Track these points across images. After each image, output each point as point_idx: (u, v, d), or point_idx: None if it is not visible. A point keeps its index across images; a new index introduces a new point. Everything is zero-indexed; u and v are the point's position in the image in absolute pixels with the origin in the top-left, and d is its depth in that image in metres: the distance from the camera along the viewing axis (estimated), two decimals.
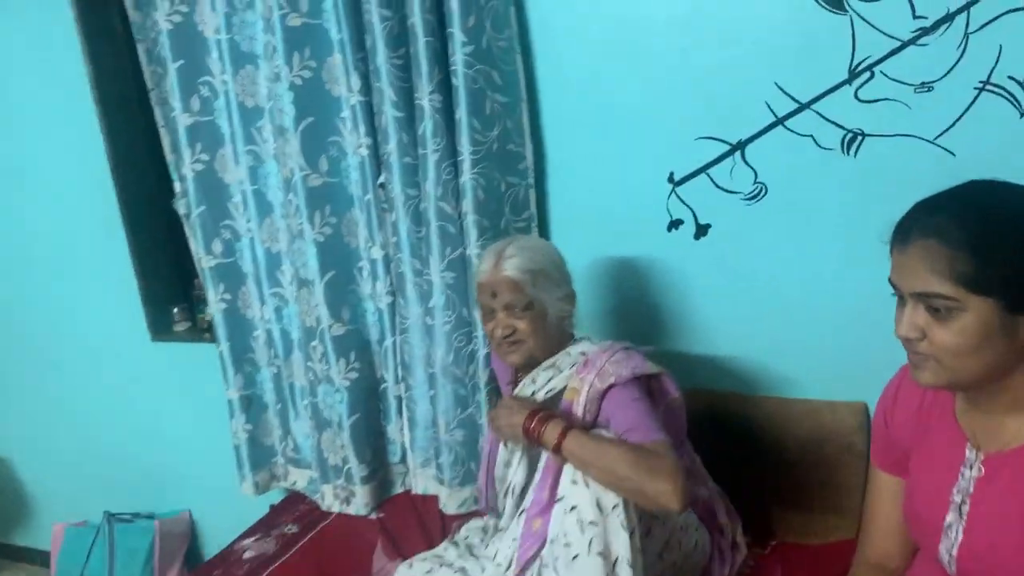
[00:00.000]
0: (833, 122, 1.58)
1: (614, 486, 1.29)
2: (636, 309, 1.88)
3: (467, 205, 1.74)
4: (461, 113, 1.69)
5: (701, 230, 1.76)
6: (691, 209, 1.75)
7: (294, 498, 2.23)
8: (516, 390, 1.56)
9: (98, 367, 2.70)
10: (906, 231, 1.00)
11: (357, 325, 2.02)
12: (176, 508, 2.76)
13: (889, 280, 1.03)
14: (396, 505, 2.09)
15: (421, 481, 2.06)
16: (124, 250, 2.46)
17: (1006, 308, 0.94)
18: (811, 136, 1.60)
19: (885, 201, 1.54)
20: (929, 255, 0.96)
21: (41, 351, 2.78)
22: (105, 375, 2.70)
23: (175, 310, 2.54)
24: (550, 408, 1.43)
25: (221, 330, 2.14)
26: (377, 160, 1.89)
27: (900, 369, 1.20)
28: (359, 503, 2.06)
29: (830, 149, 1.60)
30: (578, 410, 1.43)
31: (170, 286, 2.55)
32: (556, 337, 1.54)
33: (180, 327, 2.54)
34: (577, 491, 1.31)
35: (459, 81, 1.67)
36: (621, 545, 1.26)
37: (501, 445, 1.55)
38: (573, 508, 1.30)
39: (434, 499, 2.02)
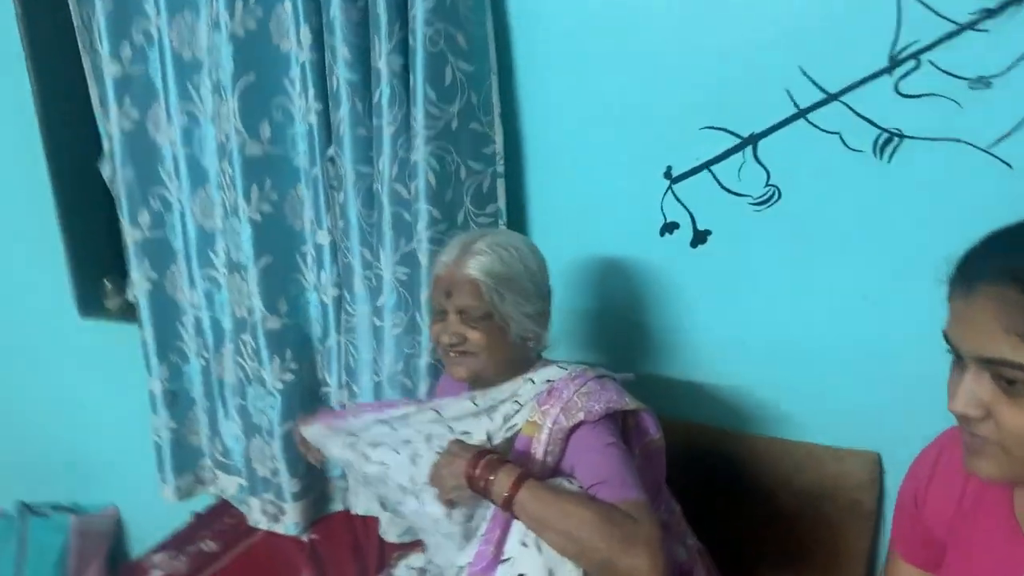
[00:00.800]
0: (866, 118, 1.32)
1: (576, 555, 1.06)
2: (618, 324, 1.62)
3: (415, 190, 1.48)
4: (416, 79, 1.42)
5: (699, 236, 1.50)
6: (689, 211, 1.49)
7: (221, 508, 1.98)
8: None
9: (20, 345, 2.45)
10: (973, 273, 0.74)
11: (296, 319, 1.76)
12: (102, 502, 2.51)
13: (944, 334, 0.77)
14: (332, 525, 1.84)
15: (362, 501, 1.79)
16: (51, 214, 2.18)
17: None
18: (838, 134, 1.34)
19: (921, 219, 1.31)
20: (1005, 309, 0.70)
21: None
22: (27, 354, 2.45)
23: (107, 284, 2.27)
24: (502, 451, 1.17)
25: (145, 313, 1.88)
26: (328, 129, 1.62)
27: (939, 436, 0.95)
28: (289, 522, 1.80)
29: (859, 151, 1.34)
30: (537, 450, 1.17)
31: (103, 258, 2.28)
32: (515, 359, 1.27)
33: (112, 303, 2.28)
34: (527, 556, 1.09)
35: (416, 41, 1.39)
36: None
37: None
38: None
39: (375, 522, 1.77)
